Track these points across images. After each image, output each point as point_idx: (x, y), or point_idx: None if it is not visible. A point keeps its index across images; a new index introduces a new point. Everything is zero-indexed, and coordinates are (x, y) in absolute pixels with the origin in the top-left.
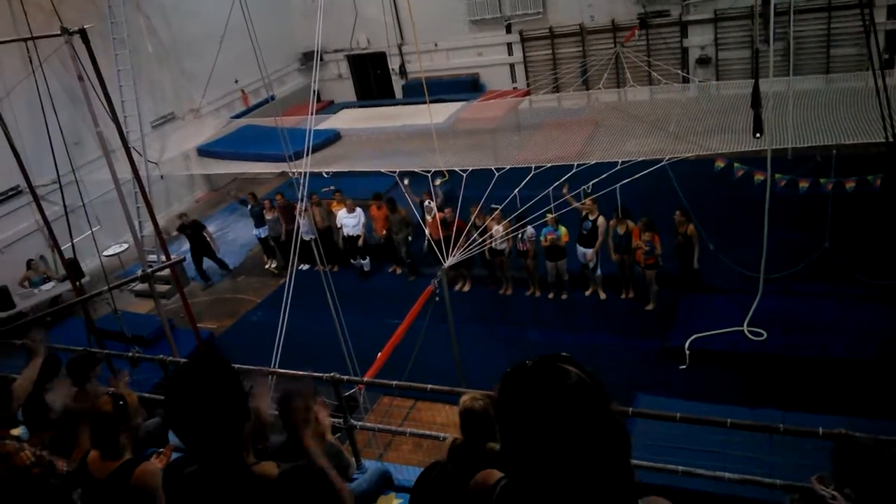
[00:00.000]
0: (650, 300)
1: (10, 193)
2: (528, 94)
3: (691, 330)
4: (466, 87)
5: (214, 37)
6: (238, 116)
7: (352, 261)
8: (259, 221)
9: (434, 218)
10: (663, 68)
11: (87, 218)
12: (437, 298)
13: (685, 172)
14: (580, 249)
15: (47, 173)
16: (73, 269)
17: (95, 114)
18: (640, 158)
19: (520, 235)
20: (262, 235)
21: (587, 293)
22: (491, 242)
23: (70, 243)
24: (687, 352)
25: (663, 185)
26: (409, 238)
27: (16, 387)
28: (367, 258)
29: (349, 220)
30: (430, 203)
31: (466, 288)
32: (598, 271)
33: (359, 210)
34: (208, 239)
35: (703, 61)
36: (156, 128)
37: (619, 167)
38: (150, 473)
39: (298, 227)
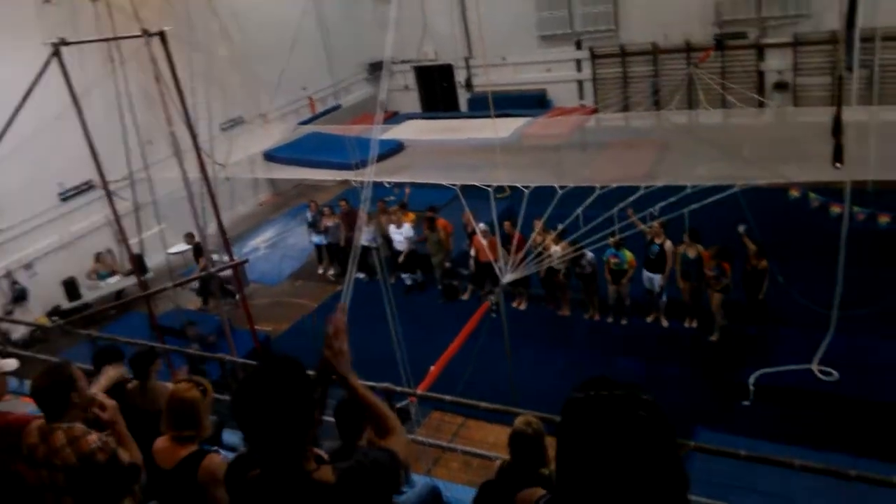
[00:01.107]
0: (714, 331)
1: (82, 188)
2: (595, 111)
3: (757, 364)
4: (533, 102)
5: (285, 44)
6: (304, 123)
7: (400, 275)
8: (317, 229)
9: (487, 240)
10: (738, 91)
11: (157, 216)
12: (494, 314)
13: (757, 200)
14: (647, 274)
15: (118, 170)
16: (138, 264)
17: (169, 114)
18: (711, 183)
19: (581, 261)
20: (320, 243)
21: (649, 319)
22: (549, 262)
23: (139, 238)
24: (751, 387)
25: (734, 212)
26: (446, 264)
27: (80, 379)
28: (418, 272)
29: (397, 235)
30: (482, 225)
31: (523, 306)
32: (664, 297)
33: (406, 225)
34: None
35: (780, 86)
36: (224, 130)
37: (687, 191)
38: (218, 465)
39: (354, 236)
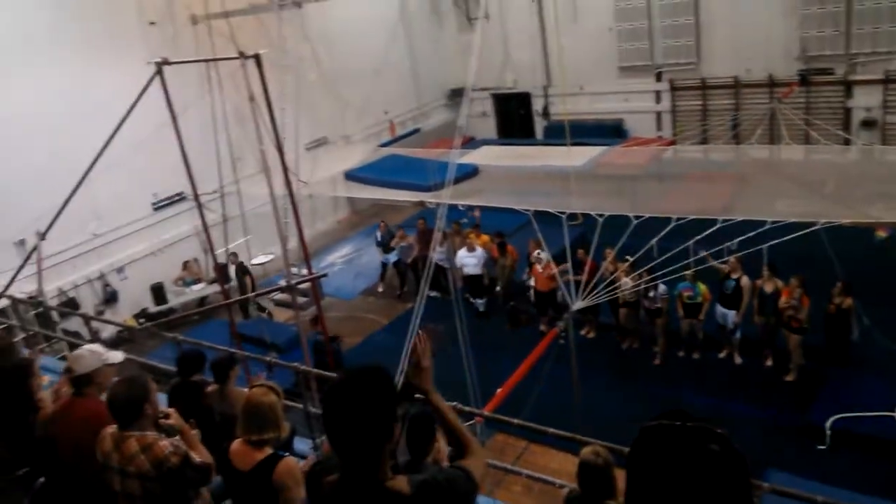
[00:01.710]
0: (791, 371)
1: (174, 199)
2: (672, 143)
3: (835, 408)
4: (609, 132)
5: (371, 69)
6: (385, 145)
7: (470, 299)
8: (386, 249)
9: (545, 268)
10: (822, 128)
11: (244, 228)
12: (562, 341)
13: (841, 239)
14: (720, 310)
15: (208, 183)
16: (222, 273)
17: (260, 133)
18: (792, 220)
19: (650, 293)
20: (387, 261)
21: (721, 355)
22: (618, 293)
23: (225, 248)
24: (828, 431)
25: (815, 250)
26: (496, 288)
27: (153, 391)
28: (484, 298)
29: (469, 260)
30: (539, 253)
31: (592, 334)
32: (738, 334)
33: (479, 249)
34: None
35: (868, 123)
36: (309, 150)
37: (766, 227)
38: (293, 469)
39: (428, 255)
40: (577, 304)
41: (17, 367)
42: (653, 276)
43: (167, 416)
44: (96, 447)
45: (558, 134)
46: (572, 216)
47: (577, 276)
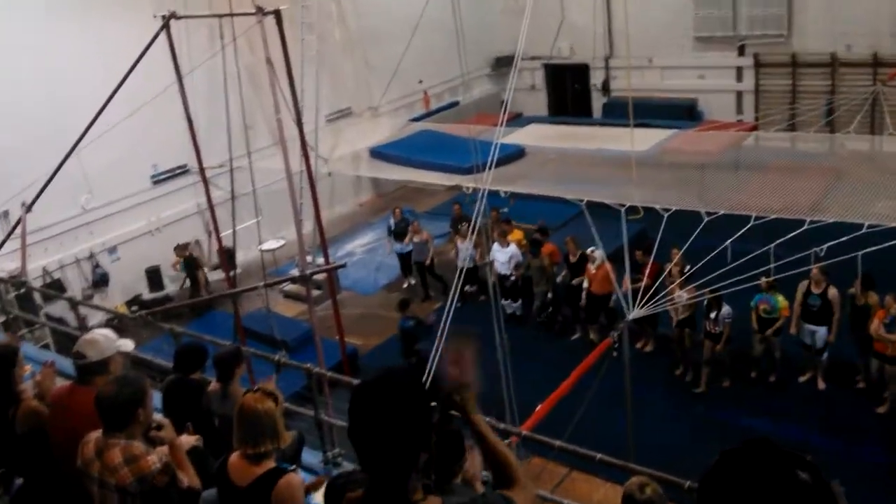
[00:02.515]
0: (886, 401)
1: (177, 172)
2: (755, 128)
3: None
4: (680, 112)
5: (403, 31)
6: (417, 119)
7: (501, 301)
8: (400, 238)
9: (599, 268)
10: None
11: (255, 207)
12: (615, 353)
13: None
14: (808, 327)
15: (215, 155)
16: (227, 259)
17: (277, 100)
18: (894, 224)
19: (712, 315)
20: (401, 251)
21: (802, 379)
22: (672, 306)
23: (232, 229)
24: None
25: None
26: (548, 294)
27: (149, 396)
28: (519, 301)
29: (500, 256)
30: (594, 250)
31: (649, 348)
32: (825, 355)
33: (512, 245)
34: (203, 279)
35: None
36: (330, 122)
37: (863, 230)
38: (295, 486)
39: (459, 247)
40: (635, 313)
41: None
42: (716, 293)
43: (160, 426)
44: (79, 451)
45: (619, 113)
46: (632, 209)
47: (637, 281)
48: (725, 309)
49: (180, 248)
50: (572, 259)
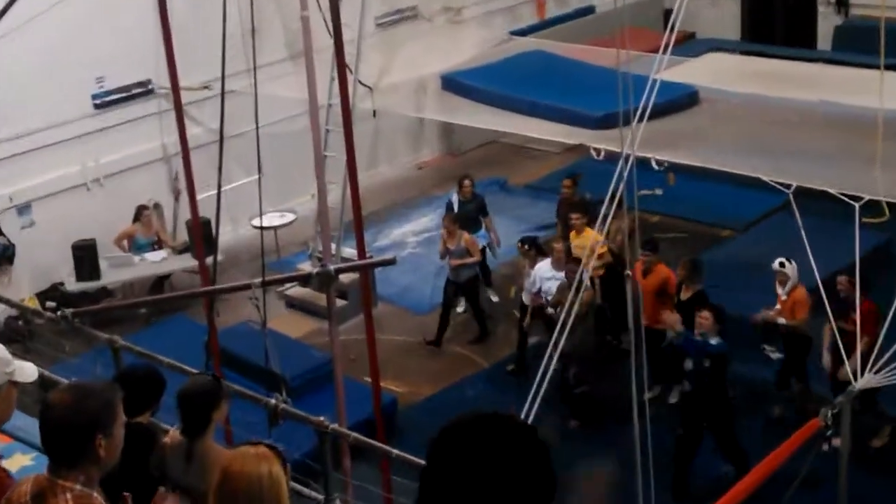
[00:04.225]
0: None
1: (134, 92)
2: None
3: None
4: None
5: None
6: (522, 33)
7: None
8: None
9: (793, 293)
10: None
11: (258, 159)
12: (827, 446)
13: None
14: None
15: (194, 72)
16: (203, 237)
17: None
18: None
19: None
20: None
21: None
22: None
23: (217, 191)
24: None
25: None
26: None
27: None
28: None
29: (550, 284)
30: (783, 264)
31: (882, 441)
32: None
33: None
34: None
35: None
36: (381, 27)
37: None
38: None
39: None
40: (864, 381)
41: None
42: None
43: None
44: None
45: (861, 44)
46: (872, 207)
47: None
48: None
49: (146, 217)
50: (684, 294)
